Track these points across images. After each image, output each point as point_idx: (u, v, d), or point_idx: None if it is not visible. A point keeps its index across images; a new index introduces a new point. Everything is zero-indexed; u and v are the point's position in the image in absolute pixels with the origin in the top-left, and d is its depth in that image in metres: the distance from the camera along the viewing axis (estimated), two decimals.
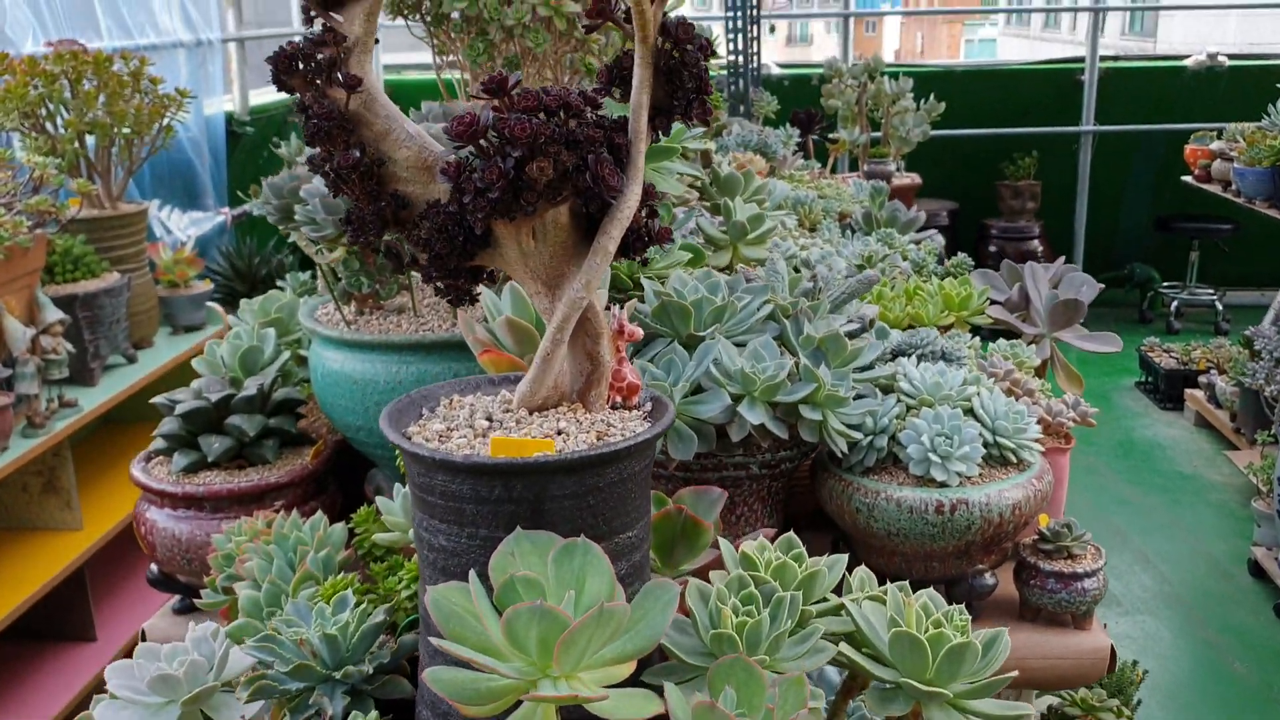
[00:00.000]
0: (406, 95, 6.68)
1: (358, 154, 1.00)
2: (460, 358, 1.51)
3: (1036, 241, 6.98)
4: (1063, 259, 2.34)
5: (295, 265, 4.49)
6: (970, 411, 1.54)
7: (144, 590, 3.20)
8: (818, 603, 1.07)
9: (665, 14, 0.98)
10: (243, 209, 4.85)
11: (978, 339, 2.09)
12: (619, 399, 1.06)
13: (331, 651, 1.08)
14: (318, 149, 1.03)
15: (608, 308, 1.17)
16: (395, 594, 1.22)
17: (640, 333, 1.07)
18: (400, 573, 1.30)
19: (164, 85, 3.29)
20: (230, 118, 4.90)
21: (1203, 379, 5.53)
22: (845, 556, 1.10)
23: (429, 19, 2.01)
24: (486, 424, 1.02)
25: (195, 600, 1.58)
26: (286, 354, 1.77)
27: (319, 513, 1.42)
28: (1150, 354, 5.98)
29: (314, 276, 2.21)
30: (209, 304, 3.62)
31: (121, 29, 3.98)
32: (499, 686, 0.85)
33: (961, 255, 2.73)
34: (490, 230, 0.98)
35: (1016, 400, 1.73)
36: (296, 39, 1.02)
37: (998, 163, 7.12)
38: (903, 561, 1.53)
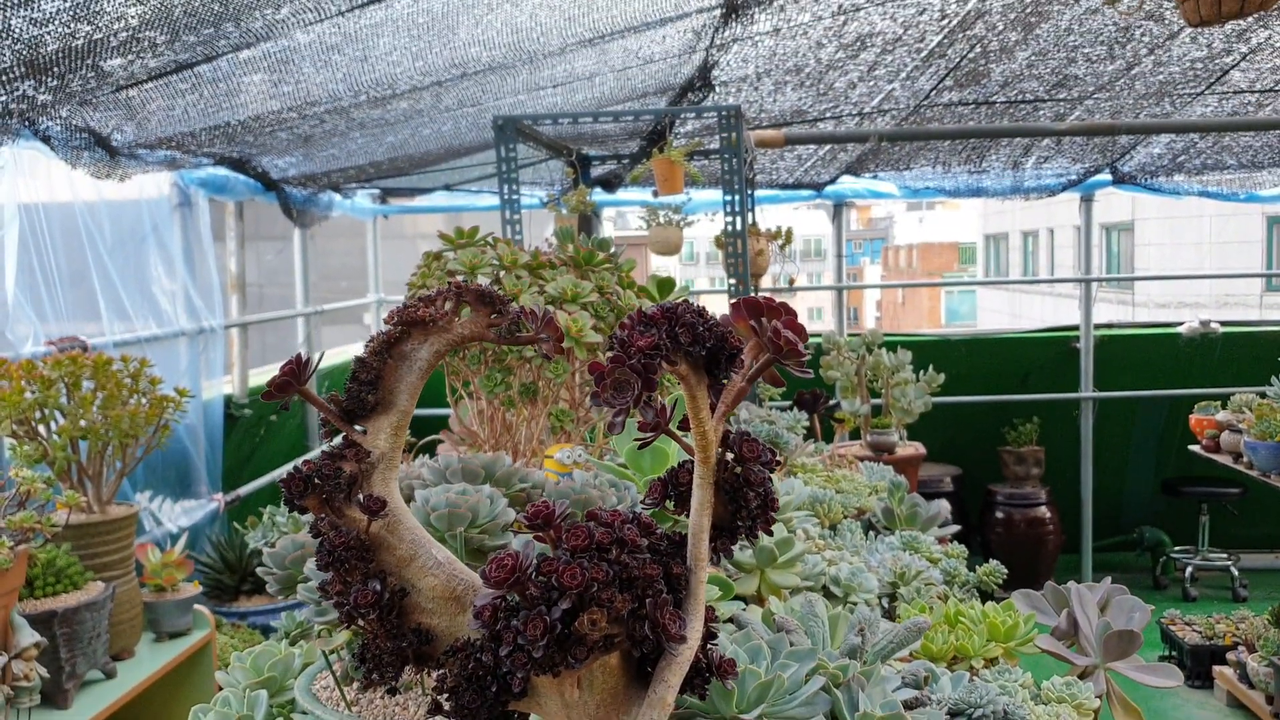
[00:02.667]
0: None
1: (378, 587, 0.88)
2: None
3: (1044, 508, 6.86)
4: (1109, 579, 2.21)
5: None
6: None
7: None
8: None
9: (727, 428, 0.88)
10: (235, 494, 4.73)
11: (1029, 675, 1.93)
12: None
13: None
14: (330, 574, 0.91)
15: None
16: None
17: None
18: None
19: (163, 386, 3.22)
20: (229, 401, 4.85)
21: (1231, 656, 5.29)
22: None
23: None
24: None
25: None
26: None
27: None
28: (1172, 627, 5.75)
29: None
30: (196, 607, 3.44)
31: (123, 320, 3.97)
32: None
33: (994, 563, 2.60)
34: (529, 679, 0.85)
35: None
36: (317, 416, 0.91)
37: (999, 428, 7.09)
38: None
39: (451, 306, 0.91)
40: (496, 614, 0.83)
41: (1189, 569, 6.84)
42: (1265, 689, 4.91)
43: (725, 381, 0.89)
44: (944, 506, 3.23)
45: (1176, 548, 7.10)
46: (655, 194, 4.71)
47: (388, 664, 0.90)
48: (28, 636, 2.60)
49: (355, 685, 1.43)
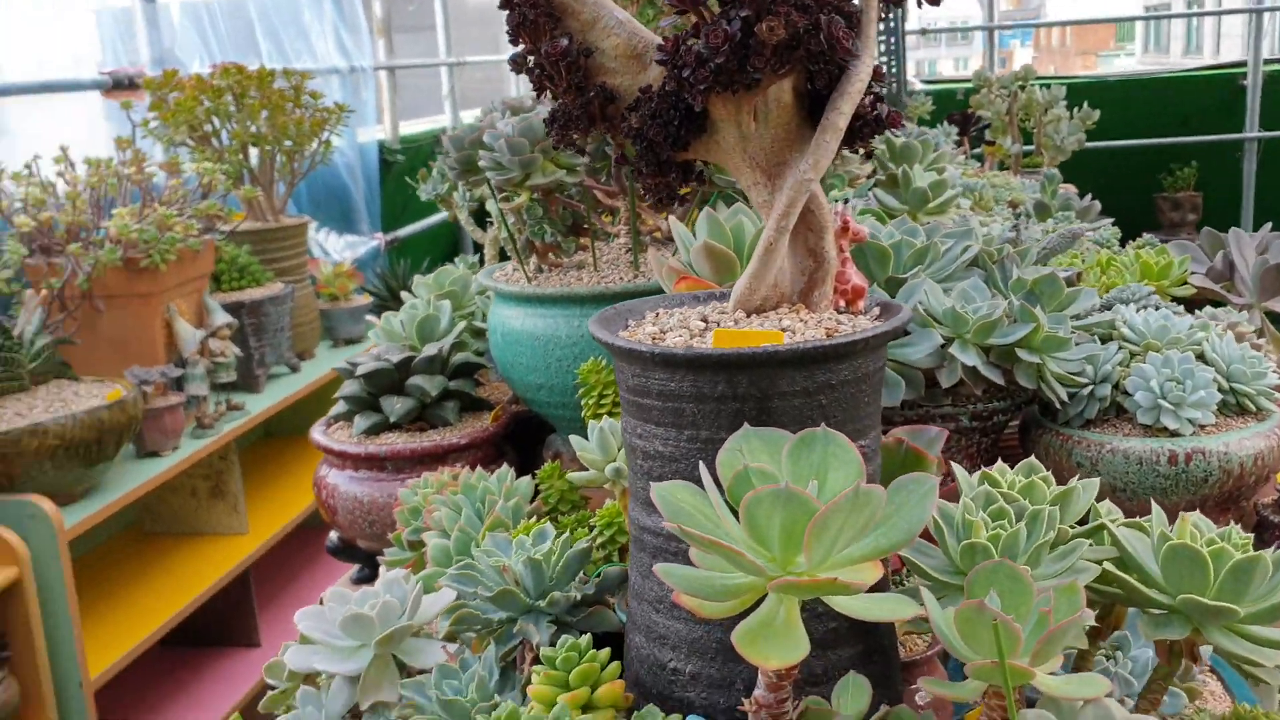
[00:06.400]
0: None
1: (565, 42, 0.95)
2: None
3: None
4: (1269, 225, 2.18)
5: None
6: (1201, 356, 1.41)
7: (306, 596, 3.21)
8: (1073, 527, 0.96)
9: None
10: (395, 234, 4.93)
11: (1182, 307, 1.95)
12: (843, 303, 0.98)
13: (535, 579, 1.01)
14: (520, 46, 0.98)
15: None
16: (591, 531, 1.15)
17: (866, 232, 0.99)
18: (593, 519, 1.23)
19: (322, 101, 3.35)
20: (383, 146, 4.99)
21: None
22: (1096, 480, 0.99)
23: None
24: (703, 325, 0.95)
25: (376, 566, 1.54)
26: (462, 324, 1.74)
27: (504, 465, 1.37)
28: None
29: (481, 260, 2.19)
30: (368, 317, 3.65)
31: (280, 54, 4.09)
32: (740, 584, 0.77)
33: (1148, 235, 2.58)
34: (707, 114, 0.92)
35: None
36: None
37: (1155, 174, 6.82)
38: None
39: None
40: (678, 42, 0.89)
41: None
42: None
43: None
44: (1097, 204, 3.18)
45: None
46: None
47: (576, 119, 0.97)
48: (221, 317, 2.82)
49: (533, 263, 1.54)
